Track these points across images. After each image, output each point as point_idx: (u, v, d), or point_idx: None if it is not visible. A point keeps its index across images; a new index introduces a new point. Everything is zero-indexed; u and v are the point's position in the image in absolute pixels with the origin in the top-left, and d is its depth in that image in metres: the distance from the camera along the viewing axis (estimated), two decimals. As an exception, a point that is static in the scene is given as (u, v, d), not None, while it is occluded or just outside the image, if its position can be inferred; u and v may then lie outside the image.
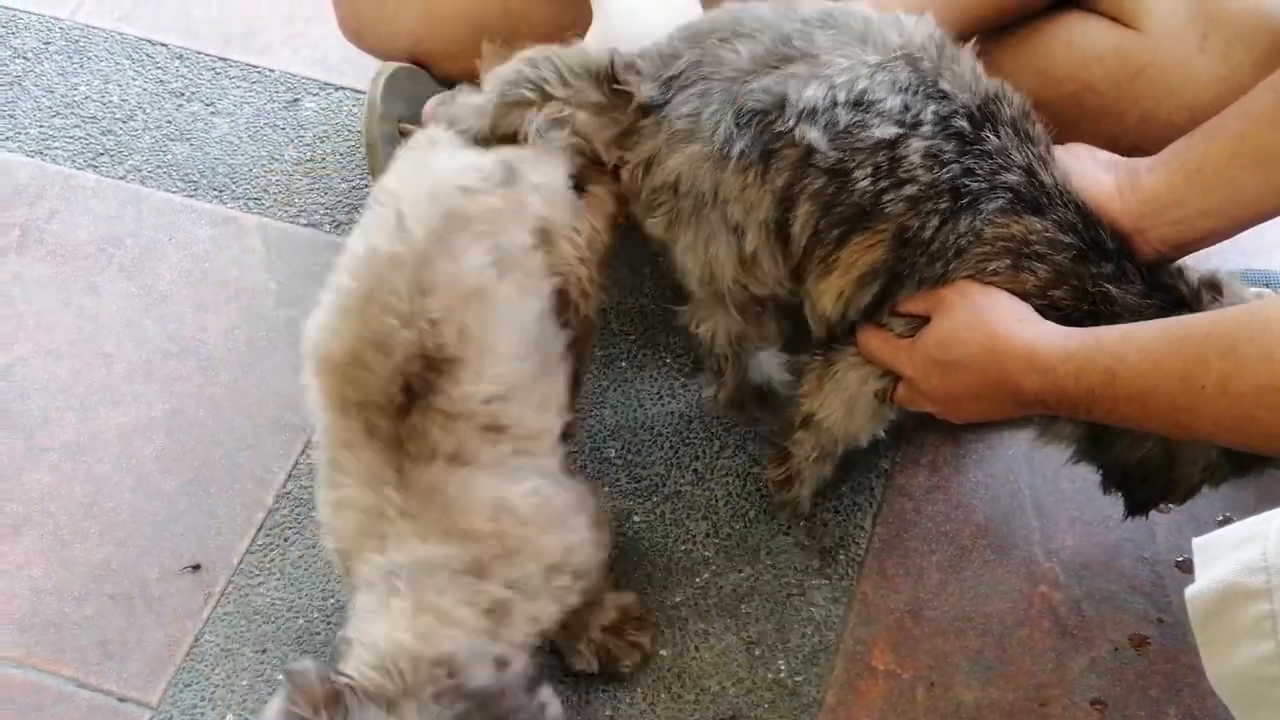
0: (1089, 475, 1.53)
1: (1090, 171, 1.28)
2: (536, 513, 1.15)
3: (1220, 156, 1.23)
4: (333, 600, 1.45)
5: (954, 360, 1.24)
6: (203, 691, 1.40)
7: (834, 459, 1.45)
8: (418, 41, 1.64)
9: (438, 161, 1.21)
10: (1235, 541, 0.90)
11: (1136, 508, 1.38)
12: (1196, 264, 1.30)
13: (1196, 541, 0.93)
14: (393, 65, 1.65)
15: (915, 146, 1.20)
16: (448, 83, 1.67)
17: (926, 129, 1.20)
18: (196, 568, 1.48)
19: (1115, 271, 1.24)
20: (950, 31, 1.34)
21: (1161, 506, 1.50)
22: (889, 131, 1.20)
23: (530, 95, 1.30)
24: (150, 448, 1.57)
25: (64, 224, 1.77)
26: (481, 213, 1.18)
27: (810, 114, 1.20)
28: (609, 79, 1.27)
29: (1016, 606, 1.46)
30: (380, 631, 1.06)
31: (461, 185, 1.18)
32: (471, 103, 1.33)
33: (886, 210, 1.22)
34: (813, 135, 1.20)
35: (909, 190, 1.21)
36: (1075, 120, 1.44)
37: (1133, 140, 1.42)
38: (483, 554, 1.11)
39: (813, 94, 1.20)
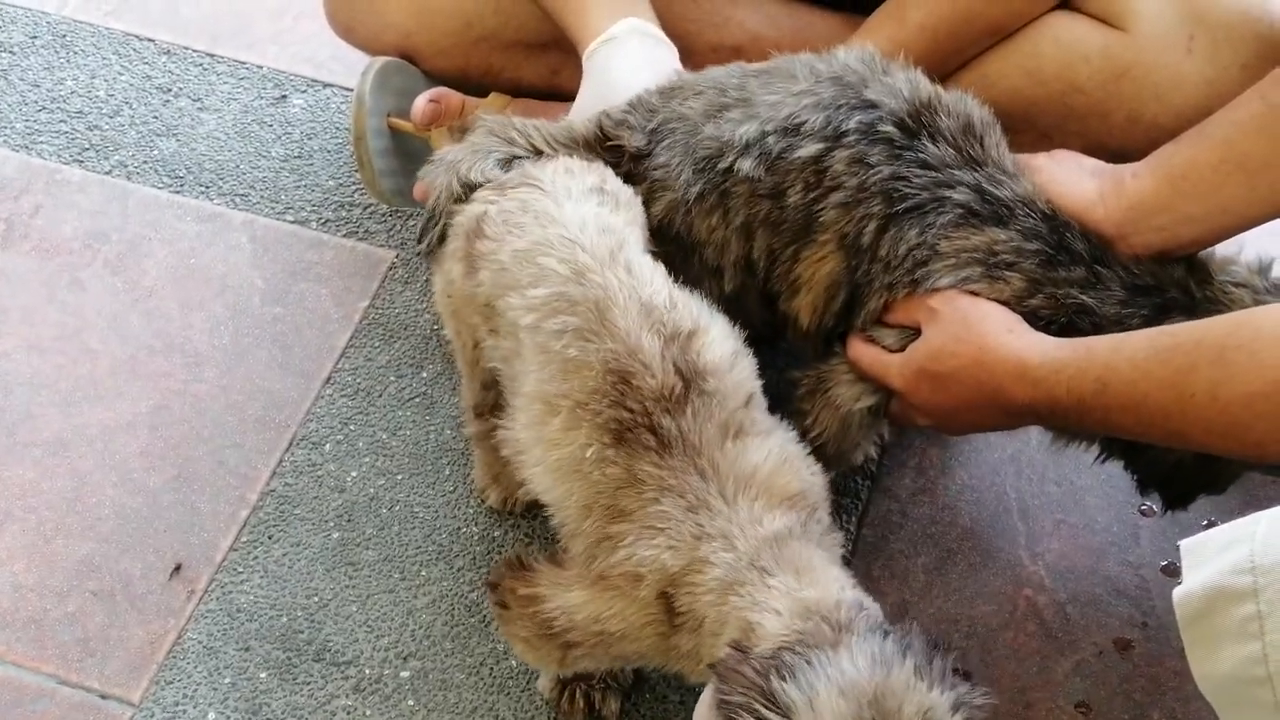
0: (1075, 479, 1.53)
1: (1073, 178, 1.28)
2: (805, 457, 1.18)
3: (1206, 163, 1.23)
4: (315, 599, 1.45)
5: (945, 372, 1.24)
6: (185, 689, 1.39)
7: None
8: (407, 35, 1.64)
9: (562, 208, 1.24)
10: (1223, 543, 0.90)
11: (1176, 502, 1.37)
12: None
13: (1184, 543, 0.93)
14: (382, 59, 1.64)
15: (839, 156, 1.25)
16: (437, 78, 1.67)
17: (850, 138, 1.25)
18: (178, 569, 1.47)
19: (1088, 277, 1.25)
20: (951, 57, 1.42)
21: (1148, 507, 1.50)
22: (814, 148, 1.26)
23: (522, 145, 1.35)
24: (134, 444, 1.56)
25: (49, 219, 1.76)
26: (624, 226, 1.24)
27: (745, 148, 1.27)
28: (600, 140, 1.35)
29: (1002, 609, 1.45)
30: (781, 604, 1.05)
31: (598, 213, 1.23)
32: (472, 146, 1.37)
33: (822, 220, 1.27)
34: (747, 165, 1.27)
35: (838, 197, 1.26)
36: (1062, 120, 1.45)
37: (1119, 142, 1.43)
38: (806, 515, 1.13)
39: (745, 130, 1.28)
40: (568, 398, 1.14)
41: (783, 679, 0.98)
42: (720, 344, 1.17)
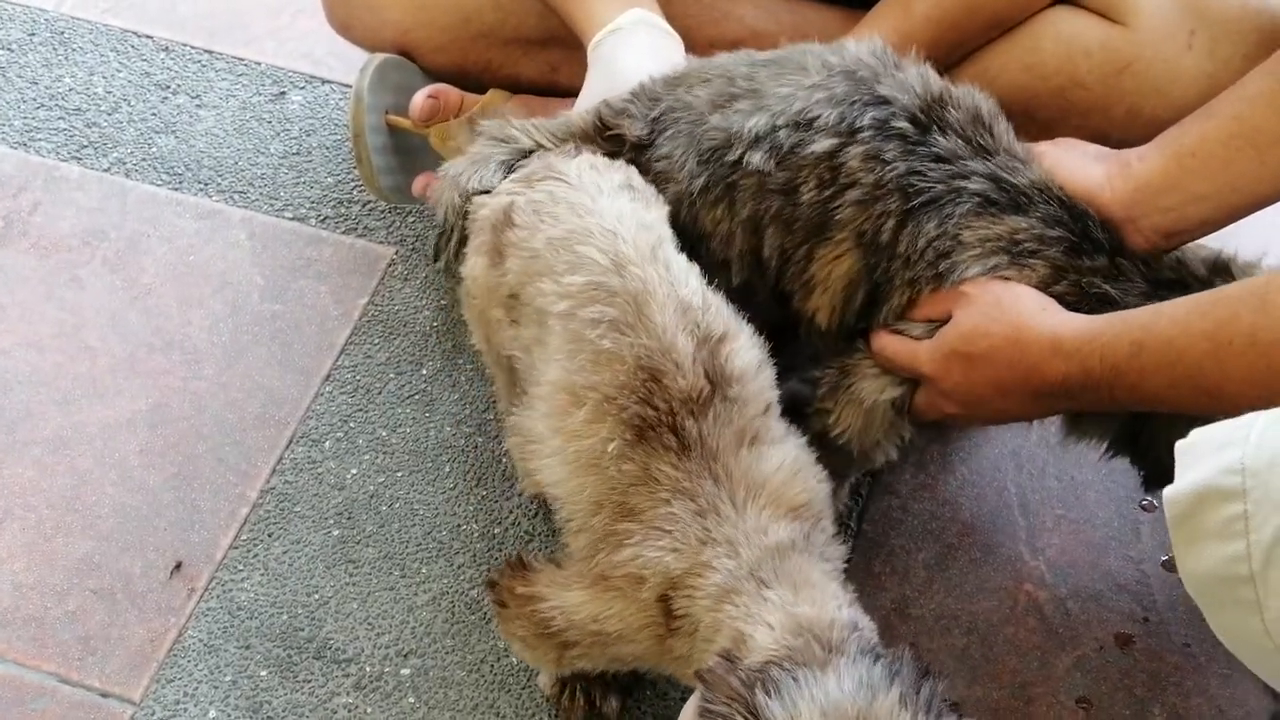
0: (1075, 474, 1.53)
1: (1078, 163, 1.27)
2: (814, 465, 1.17)
3: (1216, 139, 1.22)
4: (316, 596, 1.45)
5: (978, 353, 1.23)
6: (185, 687, 1.39)
7: (845, 482, 1.44)
8: (405, 32, 1.64)
9: (597, 201, 1.24)
10: (1215, 445, 0.91)
11: None
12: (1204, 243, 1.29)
13: (1179, 444, 0.93)
14: (380, 56, 1.64)
15: (854, 152, 1.24)
16: (436, 75, 1.66)
17: (865, 134, 1.24)
18: (178, 567, 1.47)
19: (1110, 268, 1.24)
20: (953, 49, 1.42)
21: (1148, 502, 1.50)
22: (827, 144, 1.24)
23: (525, 141, 1.35)
24: (133, 442, 1.56)
25: (47, 216, 1.76)
26: (657, 222, 1.24)
27: (755, 141, 1.26)
28: (600, 130, 1.34)
29: (1002, 605, 1.45)
30: (774, 617, 1.04)
31: (634, 208, 1.23)
32: (477, 154, 1.38)
33: (838, 218, 1.25)
34: (756, 159, 1.26)
35: (854, 194, 1.24)
36: (1063, 115, 1.45)
37: (1120, 137, 1.43)
38: (811, 525, 1.12)
39: (755, 122, 1.26)
40: (596, 390, 1.14)
41: (767, 694, 0.97)
42: (747, 351, 1.17)
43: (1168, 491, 0.92)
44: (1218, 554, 0.89)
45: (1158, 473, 1.33)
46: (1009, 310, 1.21)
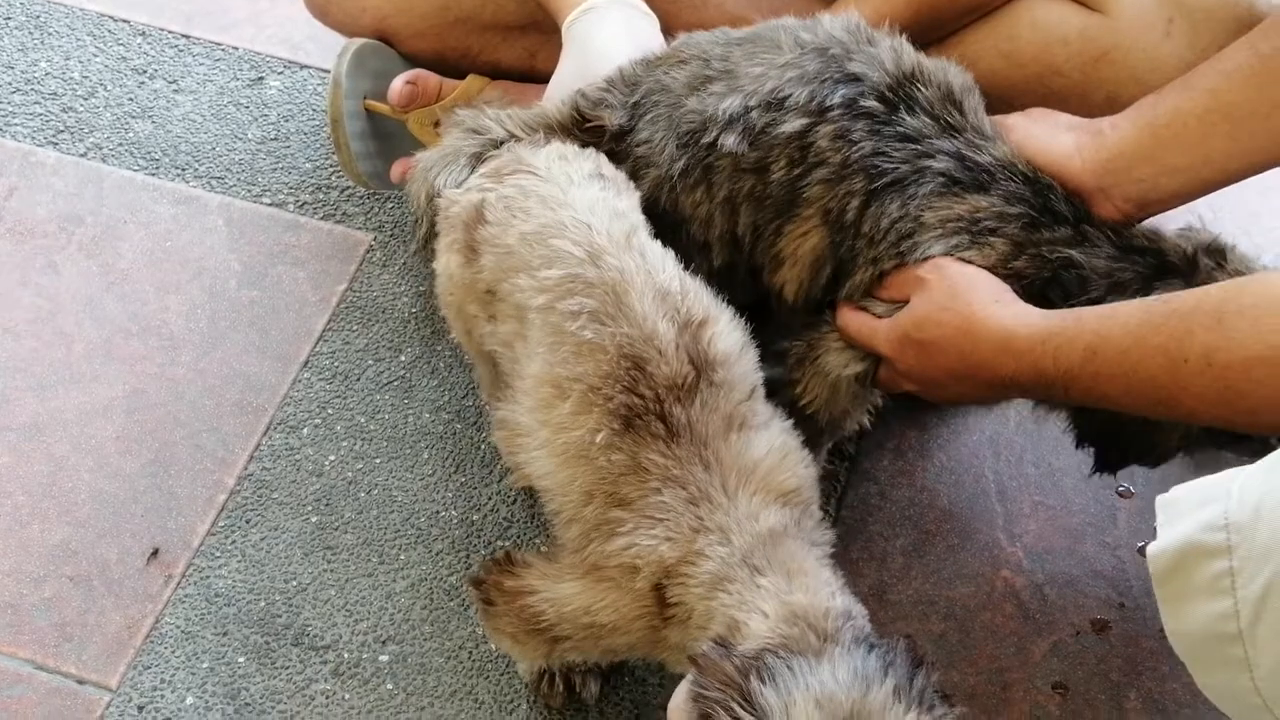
0: (1053, 460, 1.54)
1: (1048, 134, 1.28)
2: (800, 450, 1.17)
3: (1191, 112, 1.22)
4: (294, 583, 1.44)
5: (930, 340, 1.23)
6: (162, 674, 1.39)
7: (820, 448, 1.44)
8: (383, 18, 1.63)
9: (568, 192, 1.23)
10: (1197, 500, 0.90)
11: (1107, 465, 1.36)
12: (1200, 227, 1.29)
13: (1160, 499, 0.93)
14: (358, 41, 1.64)
15: (824, 131, 1.25)
16: (414, 60, 1.66)
17: (835, 113, 1.25)
18: (155, 554, 1.46)
19: (1074, 236, 1.25)
20: (929, 31, 1.42)
21: (1125, 488, 1.51)
22: (798, 123, 1.25)
23: (498, 132, 1.35)
24: (110, 428, 1.56)
25: (23, 201, 1.75)
26: (630, 209, 1.25)
27: (729, 123, 1.27)
28: (578, 123, 1.34)
29: (979, 591, 1.46)
30: (768, 605, 1.04)
31: (605, 196, 1.24)
32: (450, 146, 1.38)
33: (805, 195, 1.27)
34: (730, 141, 1.27)
35: (821, 173, 1.26)
36: (1041, 102, 1.45)
37: (1098, 123, 1.43)
38: (800, 511, 1.13)
39: (728, 104, 1.27)
40: (580, 381, 1.14)
41: (762, 681, 0.97)
42: (729, 334, 1.17)
43: (1151, 548, 0.91)
44: (1205, 612, 0.88)
45: (1088, 430, 1.32)
46: (961, 299, 1.22)
